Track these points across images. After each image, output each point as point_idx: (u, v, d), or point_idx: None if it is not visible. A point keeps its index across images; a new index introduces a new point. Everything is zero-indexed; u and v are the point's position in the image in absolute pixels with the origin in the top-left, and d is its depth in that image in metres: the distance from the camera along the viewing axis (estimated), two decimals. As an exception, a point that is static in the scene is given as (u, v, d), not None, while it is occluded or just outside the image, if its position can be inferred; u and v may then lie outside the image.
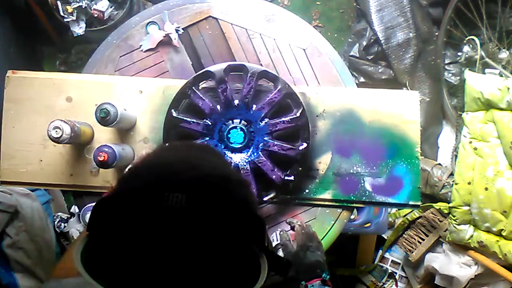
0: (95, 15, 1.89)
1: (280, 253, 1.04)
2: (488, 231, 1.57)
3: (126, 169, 0.61)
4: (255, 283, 0.50)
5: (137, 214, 0.48)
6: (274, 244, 1.08)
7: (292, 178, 1.10)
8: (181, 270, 0.47)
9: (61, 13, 1.84)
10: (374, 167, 1.17)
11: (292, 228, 1.08)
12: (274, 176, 1.09)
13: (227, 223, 0.50)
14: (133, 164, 0.57)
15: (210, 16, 1.25)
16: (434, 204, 1.79)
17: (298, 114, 1.10)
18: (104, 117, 1.02)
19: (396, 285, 1.91)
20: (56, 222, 1.83)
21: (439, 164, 1.89)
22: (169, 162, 0.56)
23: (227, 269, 0.50)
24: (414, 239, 1.78)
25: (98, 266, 0.49)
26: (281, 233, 1.10)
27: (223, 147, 1.10)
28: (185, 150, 0.63)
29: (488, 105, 1.53)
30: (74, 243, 0.52)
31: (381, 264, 1.93)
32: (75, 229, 1.93)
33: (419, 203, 1.18)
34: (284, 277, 0.57)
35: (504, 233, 1.53)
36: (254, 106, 1.10)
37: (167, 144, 0.64)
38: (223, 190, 0.53)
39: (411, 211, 1.81)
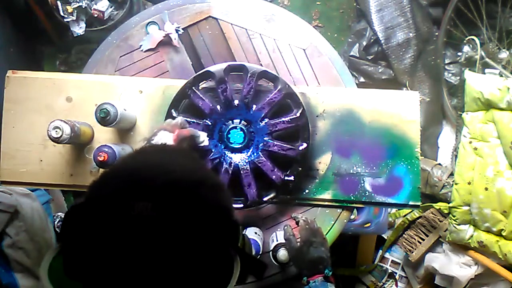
0: (95, 15, 1.89)
1: (282, 251, 1.04)
2: (488, 231, 1.57)
3: (99, 174, 0.60)
4: (226, 286, 0.50)
5: (104, 224, 0.47)
6: (274, 244, 1.08)
7: (292, 178, 1.10)
8: (149, 279, 0.47)
9: (61, 13, 1.84)
10: (374, 167, 1.17)
11: (297, 223, 1.08)
12: (274, 176, 1.09)
13: (197, 229, 0.49)
14: (105, 170, 0.57)
15: (210, 16, 1.25)
16: (434, 204, 1.79)
17: (298, 114, 1.10)
18: (104, 117, 1.02)
19: (396, 285, 1.91)
20: (56, 222, 1.83)
21: (439, 164, 1.89)
22: (138, 168, 0.55)
23: (197, 274, 0.49)
24: (414, 239, 1.78)
25: (70, 276, 0.49)
26: (285, 227, 1.10)
27: (223, 147, 1.10)
28: (156, 154, 0.62)
29: (488, 105, 1.53)
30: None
31: (381, 264, 1.93)
32: (75, 229, 1.93)
33: (419, 203, 1.18)
34: (260, 279, 0.58)
35: (504, 233, 1.53)
36: (254, 106, 1.10)
37: (139, 148, 0.64)
38: (194, 195, 0.52)
39: (411, 211, 1.81)
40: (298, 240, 1.02)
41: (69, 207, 0.51)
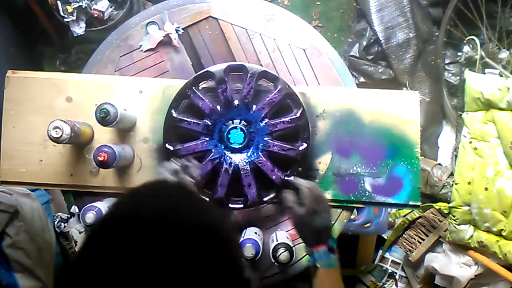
0: (95, 15, 1.89)
1: (282, 251, 1.04)
2: (488, 231, 1.57)
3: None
4: None
5: (101, 279, 0.45)
6: (274, 244, 1.07)
7: (292, 178, 1.10)
8: None
9: (61, 13, 1.84)
10: (374, 167, 1.17)
11: (296, 191, 0.98)
12: (274, 177, 1.09)
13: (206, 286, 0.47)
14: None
15: (210, 16, 1.25)
16: (434, 204, 1.79)
17: (298, 115, 1.10)
18: (104, 117, 1.02)
19: (396, 285, 1.91)
20: (56, 222, 1.83)
21: (439, 164, 1.89)
22: (136, 215, 0.50)
23: None
24: (414, 239, 1.78)
25: None
26: (286, 195, 0.98)
27: (223, 147, 1.10)
28: (162, 198, 0.55)
29: (488, 105, 1.53)
30: None
31: (381, 264, 1.93)
32: (75, 229, 1.93)
33: (419, 203, 1.18)
34: None
35: (504, 233, 1.53)
36: (254, 106, 1.10)
37: (145, 185, 0.58)
38: (207, 249, 0.49)
39: (411, 211, 1.81)
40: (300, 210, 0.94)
41: (68, 262, 0.50)
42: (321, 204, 0.93)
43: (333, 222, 0.93)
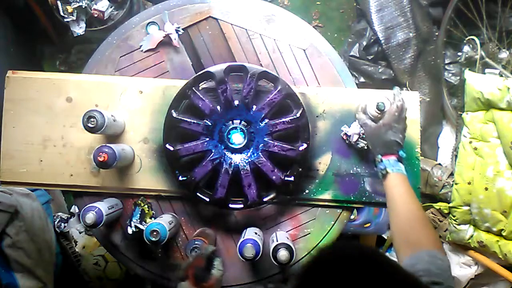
0: (95, 15, 1.89)
1: (282, 252, 1.03)
2: (488, 231, 1.57)
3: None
4: None
5: None
6: (274, 244, 1.07)
7: (292, 178, 1.10)
8: None
9: (61, 13, 1.85)
10: (374, 168, 1.17)
11: (379, 110, 1.04)
12: (274, 177, 1.09)
13: None
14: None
15: (210, 17, 1.25)
16: (434, 204, 1.79)
17: (298, 115, 1.10)
18: (93, 127, 1.03)
19: (396, 285, 1.91)
20: (56, 222, 1.84)
21: (439, 164, 1.89)
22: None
23: None
24: (414, 239, 1.77)
25: None
26: (359, 115, 1.08)
27: (223, 147, 1.10)
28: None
29: (488, 105, 1.53)
30: None
31: (381, 264, 1.93)
32: (75, 229, 1.94)
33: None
34: None
35: (504, 233, 1.53)
36: (254, 106, 1.10)
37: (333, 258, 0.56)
38: None
39: (411, 211, 1.81)
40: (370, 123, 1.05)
41: None
42: (400, 123, 1.02)
43: (403, 142, 1.02)
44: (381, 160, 0.99)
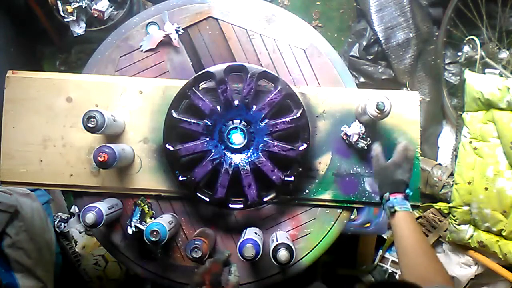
0: (95, 15, 1.89)
1: (282, 252, 1.03)
2: (488, 231, 1.57)
3: None
4: None
5: None
6: (274, 244, 1.07)
7: (292, 178, 1.10)
8: None
9: (61, 13, 1.84)
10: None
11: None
12: (274, 177, 1.09)
13: None
14: None
15: (210, 17, 1.25)
16: (434, 204, 1.79)
17: (298, 115, 1.10)
18: (93, 127, 1.03)
19: (396, 285, 1.91)
20: (56, 222, 1.83)
21: (439, 164, 1.89)
22: None
23: None
24: (414, 239, 1.77)
25: None
26: (375, 146, 1.10)
27: (223, 147, 1.10)
28: None
29: (488, 105, 1.53)
30: None
31: (381, 264, 1.93)
32: (75, 229, 1.94)
33: (419, 203, 1.18)
34: None
35: (504, 233, 1.53)
36: (254, 106, 1.10)
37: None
38: None
39: (411, 211, 1.81)
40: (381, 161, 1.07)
41: None
42: (408, 163, 1.05)
43: (408, 182, 1.05)
44: (389, 199, 1.01)
